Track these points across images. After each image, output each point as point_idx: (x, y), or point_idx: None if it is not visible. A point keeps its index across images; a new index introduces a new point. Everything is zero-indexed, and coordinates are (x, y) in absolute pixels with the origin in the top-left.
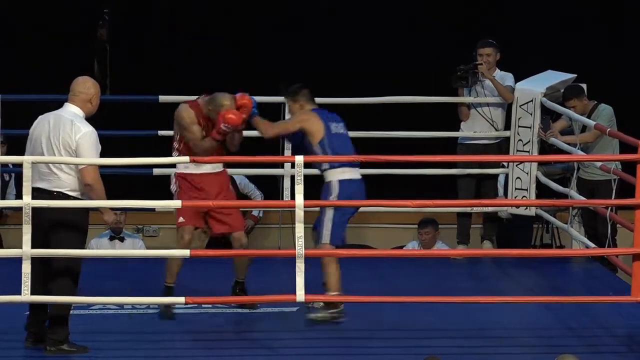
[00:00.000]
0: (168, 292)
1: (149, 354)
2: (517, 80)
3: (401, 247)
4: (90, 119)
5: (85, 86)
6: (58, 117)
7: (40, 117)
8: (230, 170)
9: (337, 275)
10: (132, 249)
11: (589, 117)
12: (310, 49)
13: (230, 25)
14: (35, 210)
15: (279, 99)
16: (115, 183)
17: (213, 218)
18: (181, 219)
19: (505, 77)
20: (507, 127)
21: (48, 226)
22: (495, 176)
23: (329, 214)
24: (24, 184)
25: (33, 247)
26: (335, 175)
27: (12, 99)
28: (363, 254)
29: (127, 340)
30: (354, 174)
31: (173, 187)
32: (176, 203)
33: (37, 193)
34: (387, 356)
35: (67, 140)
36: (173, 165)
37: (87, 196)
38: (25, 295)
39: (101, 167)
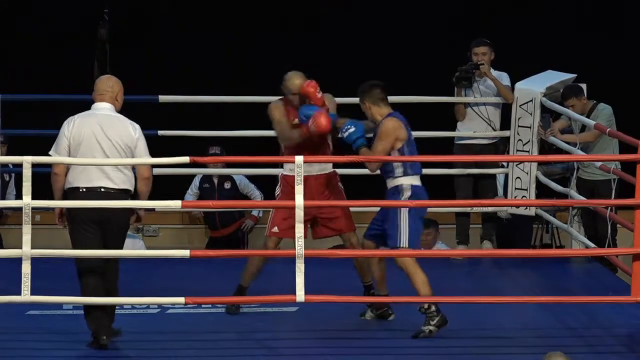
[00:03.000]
0: (240, 291)
1: (149, 354)
2: (516, 80)
3: None
4: None
5: (109, 84)
6: (106, 117)
7: (76, 119)
8: (230, 170)
9: (424, 278)
10: (132, 249)
11: (588, 116)
12: (310, 49)
13: (230, 25)
14: (92, 211)
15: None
16: None
17: (319, 224)
18: (275, 229)
19: (502, 77)
20: (504, 126)
21: (111, 226)
22: (493, 176)
23: (404, 215)
24: (24, 184)
25: (95, 247)
26: (408, 180)
27: (12, 99)
28: (363, 254)
29: (127, 340)
30: (420, 180)
31: (277, 190)
32: (176, 203)
33: (102, 191)
34: (387, 356)
35: (128, 138)
36: (174, 166)
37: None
38: (25, 296)
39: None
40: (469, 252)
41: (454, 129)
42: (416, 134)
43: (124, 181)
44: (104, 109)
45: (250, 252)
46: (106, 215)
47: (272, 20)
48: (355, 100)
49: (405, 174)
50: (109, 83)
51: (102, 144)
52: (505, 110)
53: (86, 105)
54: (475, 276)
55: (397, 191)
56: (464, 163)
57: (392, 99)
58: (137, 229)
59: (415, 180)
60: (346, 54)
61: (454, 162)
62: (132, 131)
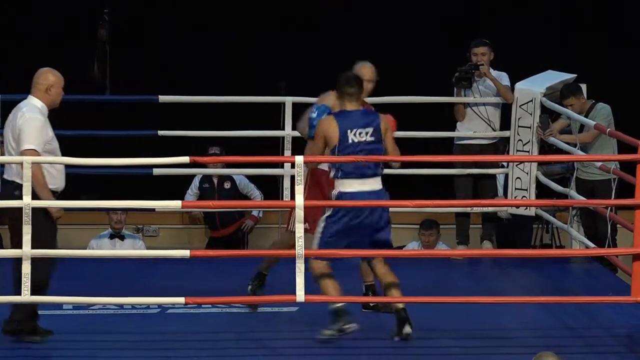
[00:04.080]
0: (259, 278)
1: (149, 354)
2: (516, 80)
3: (401, 248)
4: (89, 118)
5: (43, 76)
6: (16, 109)
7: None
8: (230, 170)
9: (332, 286)
10: (132, 249)
11: (586, 116)
12: (310, 49)
13: (230, 25)
14: None
15: (279, 98)
16: (115, 183)
17: None
18: (306, 226)
19: (501, 77)
20: (504, 126)
21: (12, 220)
22: (493, 176)
23: (320, 225)
24: (24, 184)
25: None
26: (338, 187)
27: (12, 99)
28: (363, 254)
29: (127, 340)
30: (365, 185)
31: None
32: (176, 203)
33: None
34: (386, 356)
35: (14, 128)
36: (174, 166)
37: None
38: (26, 296)
39: (101, 167)
40: (469, 252)
41: (453, 129)
42: (417, 133)
43: (10, 174)
44: (25, 102)
45: (250, 252)
46: (2, 209)
47: (272, 20)
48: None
49: (335, 177)
50: (43, 76)
51: (4, 137)
52: (505, 111)
53: (86, 106)
54: (475, 276)
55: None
56: (464, 163)
57: (392, 99)
58: (137, 229)
59: (347, 186)
60: (346, 53)
61: (453, 162)
62: (17, 121)
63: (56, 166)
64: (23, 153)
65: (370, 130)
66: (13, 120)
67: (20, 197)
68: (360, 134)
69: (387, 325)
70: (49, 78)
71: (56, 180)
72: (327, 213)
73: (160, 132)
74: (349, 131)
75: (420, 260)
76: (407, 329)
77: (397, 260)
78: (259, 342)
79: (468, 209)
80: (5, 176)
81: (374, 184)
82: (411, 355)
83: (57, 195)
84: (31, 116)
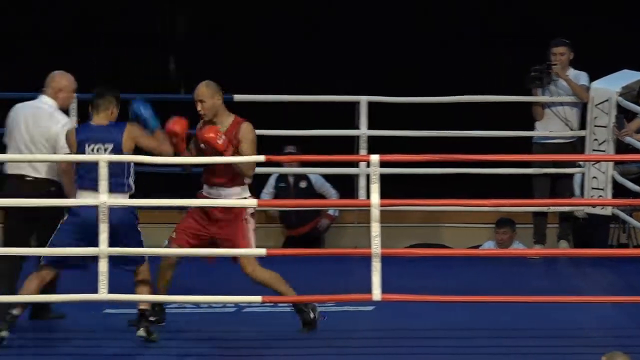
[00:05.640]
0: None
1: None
2: (594, 79)
3: (477, 247)
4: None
5: (55, 79)
6: (36, 109)
7: (17, 107)
8: (305, 170)
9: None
10: None
11: None
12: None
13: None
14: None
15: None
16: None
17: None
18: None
19: (580, 76)
20: (582, 126)
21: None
22: (570, 175)
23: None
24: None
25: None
26: (78, 196)
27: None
28: (438, 254)
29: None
30: (93, 195)
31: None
32: (252, 202)
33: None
34: (468, 356)
35: (47, 133)
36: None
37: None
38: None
39: (168, 165)
40: (543, 252)
41: (533, 128)
42: (495, 133)
43: (42, 172)
44: (40, 102)
45: (327, 250)
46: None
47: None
48: (437, 99)
49: (76, 186)
50: (55, 78)
51: (25, 135)
52: (584, 110)
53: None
54: (551, 275)
55: None
56: (541, 163)
57: (471, 98)
58: None
59: (83, 197)
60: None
61: (531, 162)
62: (52, 124)
63: None
64: None
65: (110, 146)
66: (42, 122)
67: (55, 194)
68: (98, 149)
69: (459, 325)
70: (62, 82)
71: None
72: (65, 217)
73: None
74: (86, 145)
75: (496, 260)
76: (141, 332)
77: (473, 260)
78: (329, 342)
79: (545, 209)
80: (35, 174)
81: (112, 199)
82: (484, 354)
83: None
84: (65, 120)
